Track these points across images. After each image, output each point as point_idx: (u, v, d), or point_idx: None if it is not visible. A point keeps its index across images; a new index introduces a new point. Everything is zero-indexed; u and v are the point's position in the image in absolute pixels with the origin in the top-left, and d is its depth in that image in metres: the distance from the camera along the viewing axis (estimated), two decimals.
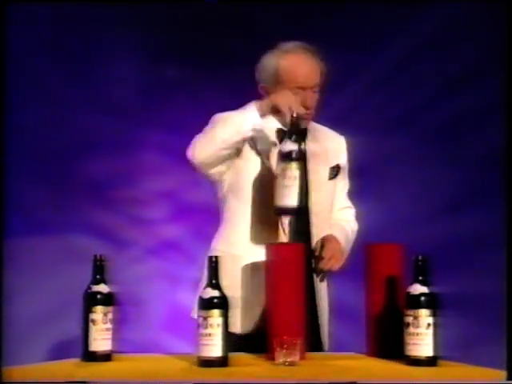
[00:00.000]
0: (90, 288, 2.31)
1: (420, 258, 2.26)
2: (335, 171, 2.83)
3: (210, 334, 2.20)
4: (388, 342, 2.38)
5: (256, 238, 2.68)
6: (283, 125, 2.75)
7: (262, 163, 2.71)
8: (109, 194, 4.35)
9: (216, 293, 2.23)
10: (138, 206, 4.38)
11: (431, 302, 2.23)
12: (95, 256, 2.33)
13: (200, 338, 2.21)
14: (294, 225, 2.70)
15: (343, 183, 2.91)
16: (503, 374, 2.16)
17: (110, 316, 2.30)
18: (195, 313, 2.33)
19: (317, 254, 2.69)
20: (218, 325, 2.21)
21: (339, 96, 4.14)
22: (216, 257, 2.28)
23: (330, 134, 2.90)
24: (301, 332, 2.36)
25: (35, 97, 4.22)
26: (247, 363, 2.32)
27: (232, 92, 4.16)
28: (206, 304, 2.22)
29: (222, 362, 2.21)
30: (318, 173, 2.78)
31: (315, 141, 2.81)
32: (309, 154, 2.77)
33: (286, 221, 2.68)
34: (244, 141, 2.63)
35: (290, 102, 2.56)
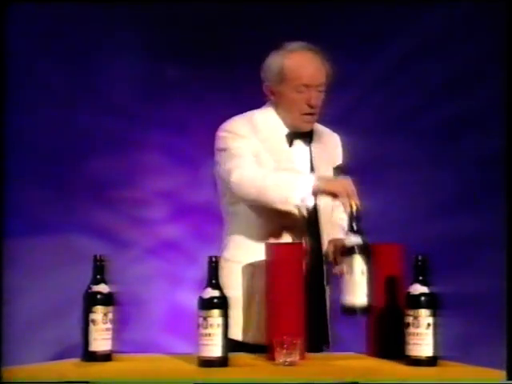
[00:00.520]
0: (90, 288, 2.31)
1: (420, 257, 2.26)
2: (338, 172, 2.83)
3: (209, 334, 2.20)
4: (388, 342, 2.38)
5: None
6: (290, 128, 2.75)
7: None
8: (109, 194, 4.35)
9: (216, 293, 2.23)
10: (138, 205, 4.39)
11: (431, 302, 2.23)
12: (95, 256, 2.33)
13: (200, 337, 2.21)
14: (305, 226, 2.71)
15: None
16: (503, 373, 2.16)
17: (110, 316, 2.30)
18: None
19: (331, 259, 2.67)
20: (218, 325, 2.21)
21: (339, 96, 4.14)
22: (216, 257, 2.28)
23: (327, 133, 2.90)
24: (301, 332, 2.36)
25: (35, 97, 4.22)
26: (247, 363, 2.32)
27: (232, 92, 4.18)
28: (206, 304, 2.22)
29: (222, 362, 2.21)
30: (324, 173, 2.78)
31: (318, 141, 2.81)
32: (315, 155, 2.78)
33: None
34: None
35: (348, 190, 2.48)
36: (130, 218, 4.38)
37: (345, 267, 2.25)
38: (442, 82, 4.32)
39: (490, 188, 3.86)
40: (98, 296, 2.30)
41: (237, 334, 2.56)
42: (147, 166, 4.38)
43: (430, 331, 2.22)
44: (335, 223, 2.81)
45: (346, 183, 2.51)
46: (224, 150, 2.70)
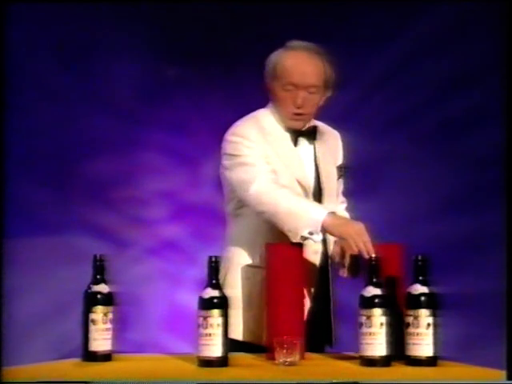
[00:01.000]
0: (90, 288, 2.31)
1: (420, 257, 2.27)
2: (342, 171, 2.83)
3: (209, 334, 2.20)
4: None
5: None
6: (284, 126, 2.75)
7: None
8: (109, 194, 4.35)
9: (216, 293, 2.23)
10: (138, 206, 4.38)
11: (431, 302, 2.23)
12: (95, 256, 2.33)
13: (200, 337, 2.21)
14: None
15: (341, 179, 2.91)
16: (503, 373, 2.16)
17: (110, 316, 2.30)
18: None
19: (337, 260, 2.65)
20: (218, 325, 2.21)
21: (339, 96, 4.14)
22: (216, 257, 2.28)
23: (328, 131, 2.89)
24: (301, 332, 2.36)
25: (35, 97, 4.22)
26: (247, 363, 2.32)
27: (232, 92, 4.18)
28: (206, 304, 2.22)
29: (222, 361, 2.22)
30: (329, 173, 2.78)
31: (321, 140, 2.81)
32: (318, 155, 2.78)
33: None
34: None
35: (361, 238, 2.44)
36: (130, 218, 4.38)
37: (363, 318, 2.23)
38: (442, 82, 4.32)
39: (489, 188, 3.86)
40: (98, 296, 2.30)
41: (237, 333, 2.56)
42: (147, 166, 4.38)
43: (430, 331, 2.22)
44: None
45: (359, 230, 2.46)
46: (234, 156, 2.67)
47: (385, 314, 2.21)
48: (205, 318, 2.21)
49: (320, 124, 2.86)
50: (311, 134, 2.78)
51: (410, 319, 2.23)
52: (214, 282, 2.25)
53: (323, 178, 2.76)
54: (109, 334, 2.31)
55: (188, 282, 4.15)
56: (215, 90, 4.29)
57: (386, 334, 2.21)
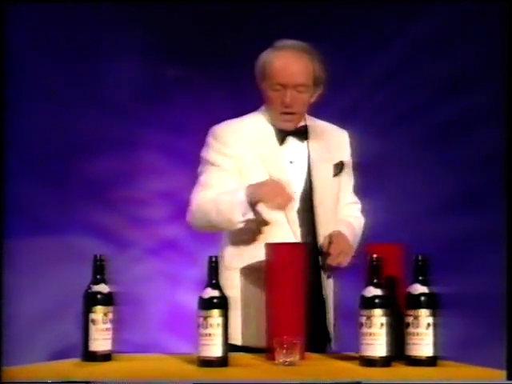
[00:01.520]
0: (90, 288, 2.31)
1: (420, 257, 2.26)
2: (339, 168, 2.83)
3: (209, 334, 2.20)
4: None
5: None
6: (275, 126, 2.76)
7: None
8: (109, 194, 4.35)
9: (216, 293, 2.23)
10: (138, 205, 4.38)
11: (431, 302, 2.23)
12: (95, 256, 2.33)
13: (200, 337, 2.21)
14: (301, 225, 2.71)
15: (348, 178, 2.89)
16: (503, 373, 2.16)
17: (110, 316, 2.30)
18: None
19: (324, 250, 2.68)
20: (218, 325, 2.21)
21: (340, 95, 4.15)
22: (216, 257, 2.28)
23: (332, 130, 2.89)
24: (301, 332, 2.36)
25: (35, 97, 4.22)
26: (247, 363, 2.32)
27: (232, 92, 4.18)
28: (206, 304, 2.22)
29: (222, 361, 2.22)
30: (322, 171, 2.78)
31: (318, 138, 2.80)
32: (312, 152, 2.78)
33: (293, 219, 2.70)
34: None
35: (274, 196, 2.54)
36: (130, 217, 4.38)
37: (363, 319, 2.23)
38: (442, 82, 4.32)
39: (490, 188, 3.86)
40: (98, 296, 2.30)
41: (234, 338, 2.56)
42: (147, 166, 4.38)
43: (430, 331, 2.22)
44: (341, 220, 2.81)
45: (274, 186, 2.57)
46: (205, 159, 2.77)
47: (385, 314, 2.21)
48: (205, 318, 2.21)
49: (321, 123, 2.86)
50: (302, 133, 2.78)
51: (410, 319, 2.23)
52: (213, 281, 2.25)
53: (314, 176, 2.76)
54: (109, 334, 2.30)
55: (188, 282, 4.15)
56: (215, 89, 4.29)
57: (386, 334, 2.21)
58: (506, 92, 2.93)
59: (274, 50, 2.74)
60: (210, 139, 2.78)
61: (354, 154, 2.92)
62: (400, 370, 2.20)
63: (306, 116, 2.81)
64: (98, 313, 2.29)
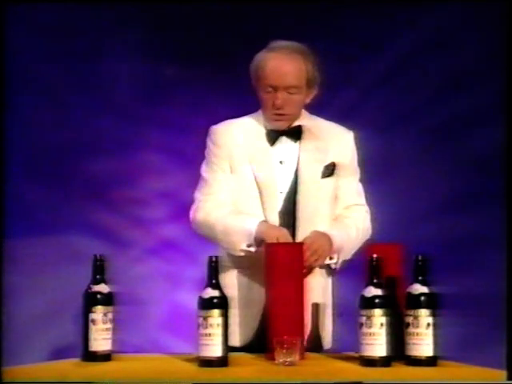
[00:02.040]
0: (90, 288, 2.31)
1: (420, 257, 2.26)
2: (330, 169, 2.79)
3: (209, 334, 2.20)
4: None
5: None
6: (268, 126, 2.76)
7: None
8: (109, 193, 4.35)
9: (216, 293, 2.23)
10: (138, 205, 4.38)
11: (431, 302, 2.23)
12: (95, 256, 2.33)
13: (200, 337, 2.21)
14: (282, 224, 2.70)
15: (349, 180, 2.85)
16: (503, 373, 2.16)
17: (109, 316, 2.30)
18: None
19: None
20: (218, 325, 2.21)
21: (340, 95, 4.15)
22: (216, 257, 2.28)
23: (334, 131, 2.86)
24: (301, 332, 2.36)
25: (35, 97, 4.22)
26: (247, 363, 2.32)
27: (232, 92, 4.17)
28: (206, 304, 2.22)
29: (222, 361, 2.22)
30: (309, 172, 2.76)
31: (313, 138, 2.78)
32: (302, 153, 2.77)
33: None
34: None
35: (276, 236, 2.58)
36: (130, 217, 4.38)
37: (363, 319, 2.23)
38: (442, 82, 4.32)
39: (490, 188, 3.86)
40: (98, 296, 2.30)
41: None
42: (147, 166, 4.38)
43: (430, 331, 2.22)
44: (336, 222, 2.80)
45: (281, 235, 2.59)
46: (205, 157, 2.81)
47: (385, 314, 2.21)
48: (205, 318, 2.21)
49: (323, 123, 2.84)
50: (295, 133, 2.77)
51: (410, 319, 2.23)
52: (213, 282, 2.25)
53: (300, 177, 2.75)
54: (109, 334, 2.30)
55: (188, 282, 4.14)
56: (215, 89, 4.29)
57: (386, 334, 2.21)
58: (506, 92, 2.93)
59: (267, 52, 2.74)
60: (207, 139, 2.82)
61: (359, 155, 2.89)
62: (400, 370, 2.20)
63: (305, 115, 2.80)
64: (98, 313, 2.29)
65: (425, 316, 2.22)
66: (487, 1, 3.92)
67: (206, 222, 2.72)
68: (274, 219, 2.70)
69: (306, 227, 2.70)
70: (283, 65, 2.69)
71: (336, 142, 2.84)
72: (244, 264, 2.67)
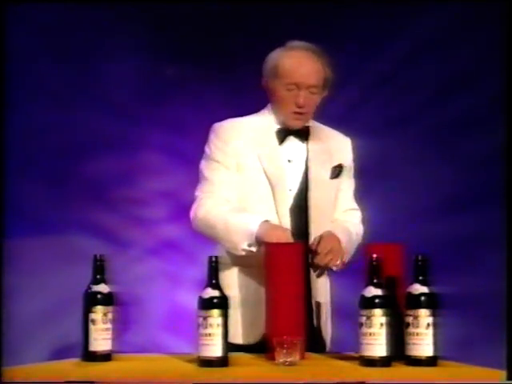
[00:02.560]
0: (90, 288, 2.31)
1: (420, 257, 2.26)
2: (337, 171, 2.83)
3: (209, 334, 2.20)
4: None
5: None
6: (281, 124, 2.76)
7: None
8: (109, 193, 4.35)
9: (216, 293, 2.23)
10: (138, 205, 4.38)
11: (431, 302, 2.23)
12: (95, 256, 2.33)
13: (200, 337, 2.21)
14: (293, 223, 2.71)
15: (348, 184, 2.90)
16: (503, 373, 2.16)
17: (109, 316, 2.30)
18: None
19: (313, 248, 2.67)
20: (218, 325, 2.21)
21: (340, 95, 4.14)
22: (216, 257, 2.28)
23: (334, 135, 2.90)
24: (301, 331, 2.36)
25: (35, 97, 4.22)
26: (247, 363, 2.32)
27: (232, 92, 4.17)
28: (206, 304, 2.22)
29: (222, 361, 2.21)
30: (319, 171, 2.78)
31: (318, 140, 2.81)
32: (310, 153, 2.78)
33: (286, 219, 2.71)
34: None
35: (277, 236, 2.56)
36: (130, 217, 4.38)
37: (363, 319, 2.23)
38: (442, 82, 4.32)
39: (490, 188, 3.86)
40: (98, 296, 2.30)
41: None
42: (147, 166, 4.38)
43: (430, 331, 2.22)
44: (337, 224, 2.81)
45: (283, 235, 2.57)
46: (206, 154, 2.79)
47: (385, 314, 2.21)
48: (205, 318, 2.21)
49: (323, 127, 2.87)
50: (303, 134, 2.78)
51: (410, 319, 2.23)
52: (213, 282, 2.25)
53: (311, 176, 2.76)
54: (109, 334, 2.30)
55: (188, 282, 4.15)
56: (215, 89, 4.29)
57: (386, 334, 2.21)
58: (506, 92, 2.93)
59: (286, 50, 2.74)
60: (211, 135, 2.80)
61: (356, 160, 2.92)
62: (400, 370, 2.20)
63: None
64: (98, 313, 2.29)
65: (425, 316, 2.22)
66: (487, 1, 3.92)
67: (206, 220, 2.70)
68: (286, 215, 2.70)
69: (318, 226, 2.73)
70: (306, 64, 2.71)
71: (337, 145, 2.88)
72: (251, 263, 2.65)
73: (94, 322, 2.28)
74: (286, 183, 2.73)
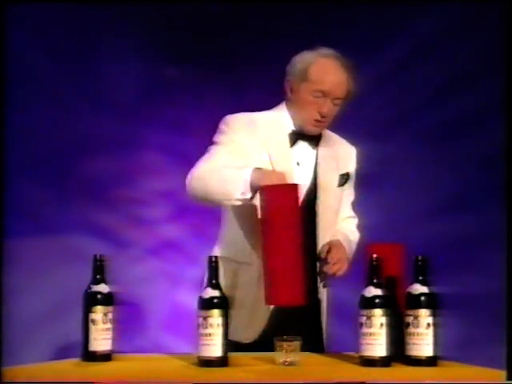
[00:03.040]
0: (90, 288, 2.31)
1: (420, 258, 2.27)
2: (344, 179, 2.84)
3: (209, 334, 2.20)
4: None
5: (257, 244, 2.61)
6: (297, 128, 2.76)
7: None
8: (109, 193, 4.35)
9: (216, 293, 2.24)
10: (138, 205, 4.38)
11: (431, 302, 2.23)
12: (95, 256, 2.33)
13: (200, 337, 2.21)
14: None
15: (349, 192, 2.93)
16: (503, 373, 2.16)
17: (109, 316, 2.31)
18: None
19: (323, 256, 2.68)
20: (218, 325, 2.21)
21: None
22: (216, 257, 2.28)
23: (342, 142, 2.92)
24: (297, 278, 2.31)
25: (35, 97, 4.21)
26: (247, 363, 2.32)
27: (232, 92, 4.17)
28: (206, 304, 2.22)
29: (221, 361, 2.22)
30: (328, 178, 2.79)
31: (328, 147, 2.82)
32: (320, 159, 2.78)
33: None
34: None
35: (271, 179, 2.46)
36: (130, 217, 4.38)
37: (364, 319, 2.23)
38: (442, 82, 4.32)
39: (489, 188, 3.86)
40: (98, 296, 2.30)
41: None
42: (147, 166, 4.38)
43: (430, 331, 2.22)
44: (338, 232, 2.81)
45: (278, 177, 2.46)
46: (213, 142, 2.74)
47: (385, 314, 2.21)
48: (205, 318, 2.21)
49: (332, 134, 2.87)
50: (315, 139, 2.78)
51: (410, 319, 2.23)
52: (213, 282, 2.25)
53: (320, 183, 2.76)
54: (109, 334, 2.31)
55: (188, 282, 4.15)
56: (215, 89, 4.29)
57: (386, 334, 2.21)
58: (506, 92, 2.93)
59: (317, 56, 2.72)
60: (222, 126, 2.76)
61: (358, 169, 2.93)
62: (400, 370, 2.20)
63: None
64: (98, 313, 2.29)
65: (425, 316, 2.22)
66: (487, 1, 3.92)
67: (201, 177, 2.60)
68: None
69: (325, 232, 2.75)
70: (337, 74, 2.70)
71: (344, 153, 2.90)
72: (254, 261, 2.65)
73: (94, 322, 2.28)
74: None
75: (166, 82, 4.38)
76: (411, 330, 2.23)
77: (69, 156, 4.27)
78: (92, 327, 2.28)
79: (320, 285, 2.75)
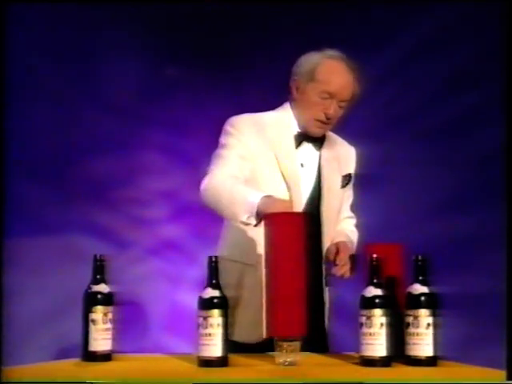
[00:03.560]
0: (90, 288, 2.31)
1: (420, 258, 2.27)
2: (347, 180, 2.85)
3: (209, 334, 2.20)
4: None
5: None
6: (301, 128, 2.76)
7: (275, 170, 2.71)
8: (109, 194, 4.35)
9: (216, 293, 2.23)
10: (138, 205, 4.39)
11: (431, 302, 2.23)
12: (95, 256, 2.33)
13: (200, 337, 2.21)
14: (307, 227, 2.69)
15: (349, 194, 2.94)
16: (503, 373, 2.16)
17: (109, 316, 2.31)
18: None
19: (331, 258, 2.68)
20: (218, 325, 2.21)
21: None
22: (216, 257, 2.28)
23: (342, 143, 2.92)
24: (299, 311, 2.28)
25: (36, 97, 4.22)
26: (247, 363, 2.32)
27: (232, 92, 4.17)
28: (206, 304, 2.22)
29: (222, 361, 2.22)
30: (332, 180, 2.79)
31: (330, 148, 2.82)
32: (323, 161, 2.78)
33: None
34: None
35: (279, 208, 2.40)
36: (130, 217, 4.38)
37: (364, 319, 2.23)
38: (441, 82, 4.32)
39: (489, 188, 3.86)
40: (98, 296, 2.30)
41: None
42: (147, 166, 4.38)
43: (430, 331, 2.22)
44: (340, 233, 2.82)
45: (286, 207, 2.42)
46: (221, 145, 2.73)
47: (385, 314, 2.21)
48: (205, 318, 2.21)
49: (334, 135, 2.87)
50: (319, 140, 2.78)
51: (410, 319, 2.23)
52: (214, 282, 2.25)
53: (323, 184, 2.77)
54: (109, 334, 2.31)
55: (188, 282, 4.15)
56: (215, 89, 4.29)
57: (386, 334, 2.21)
58: (506, 92, 2.93)
59: (325, 57, 2.72)
60: (228, 127, 2.75)
61: (357, 170, 2.94)
62: (400, 370, 2.20)
63: None
64: (98, 313, 2.29)
65: (425, 316, 2.22)
66: (487, 1, 3.92)
67: (214, 188, 2.60)
68: None
69: (329, 233, 2.76)
70: (344, 76, 2.70)
71: (345, 154, 2.91)
72: (260, 263, 2.64)
73: (94, 321, 2.28)
74: (300, 186, 2.73)
75: (166, 82, 4.38)
76: (411, 330, 2.23)
77: (69, 156, 4.27)
78: (92, 327, 2.28)
79: (325, 287, 2.75)
